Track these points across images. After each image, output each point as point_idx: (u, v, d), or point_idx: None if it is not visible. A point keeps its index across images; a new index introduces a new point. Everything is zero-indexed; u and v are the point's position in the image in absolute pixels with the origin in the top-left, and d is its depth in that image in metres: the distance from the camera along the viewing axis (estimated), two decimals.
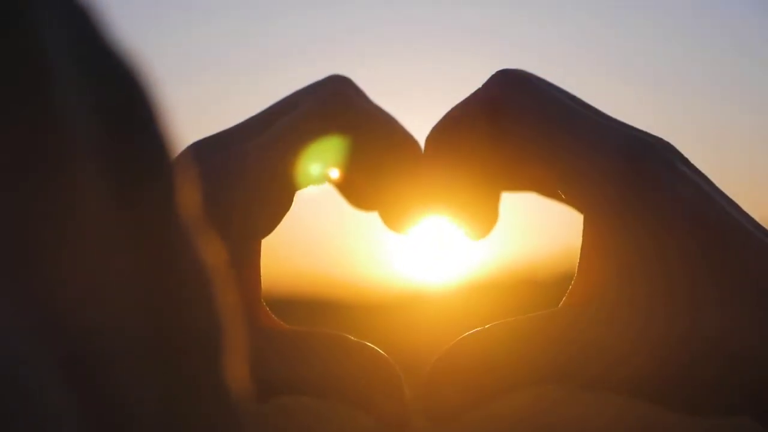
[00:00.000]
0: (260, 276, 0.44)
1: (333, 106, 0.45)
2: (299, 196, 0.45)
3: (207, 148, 0.45)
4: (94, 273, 0.22)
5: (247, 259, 0.44)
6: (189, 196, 0.25)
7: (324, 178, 0.46)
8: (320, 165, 0.45)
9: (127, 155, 0.23)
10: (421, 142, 0.47)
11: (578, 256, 0.43)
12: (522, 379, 0.42)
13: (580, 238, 0.43)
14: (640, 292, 0.41)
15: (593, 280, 0.42)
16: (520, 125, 0.43)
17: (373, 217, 0.49)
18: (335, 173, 0.46)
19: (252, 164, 0.44)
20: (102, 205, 0.23)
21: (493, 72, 0.45)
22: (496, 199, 0.46)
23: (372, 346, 0.44)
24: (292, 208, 0.45)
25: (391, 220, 0.48)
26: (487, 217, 0.46)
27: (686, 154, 0.43)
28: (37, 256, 0.21)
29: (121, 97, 0.24)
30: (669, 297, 0.41)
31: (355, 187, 0.49)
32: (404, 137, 0.46)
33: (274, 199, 0.44)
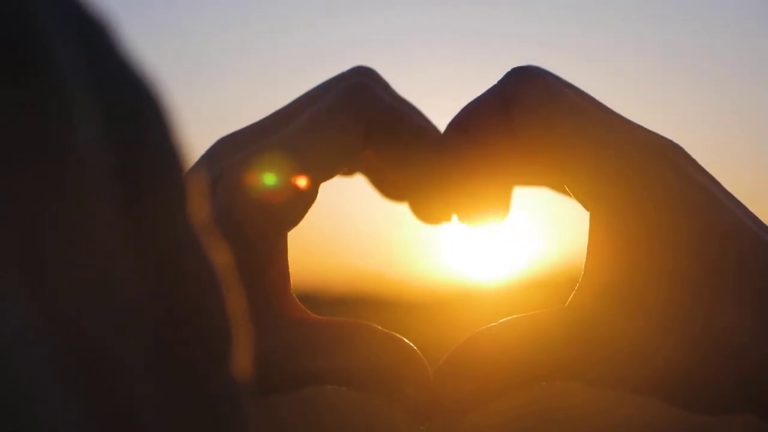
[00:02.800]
0: (288, 268, 0.44)
1: (356, 98, 0.45)
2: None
3: (232, 143, 0.46)
4: (102, 276, 0.22)
5: (274, 252, 0.44)
6: (201, 201, 0.25)
7: (347, 171, 0.46)
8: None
9: (137, 162, 0.24)
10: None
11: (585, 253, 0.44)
12: (533, 376, 0.43)
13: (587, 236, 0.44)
14: (650, 291, 0.42)
15: (599, 279, 0.43)
16: (531, 121, 0.43)
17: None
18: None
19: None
20: (110, 210, 0.23)
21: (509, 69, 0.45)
22: (508, 193, 0.47)
23: (398, 336, 0.44)
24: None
25: (419, 211, 0.48)
26: (497, 211, 0.46)
27: (694, 156, 0.44)
28: (45, 260, 0.21)
29: (130, 104, 0.24)
30: (689, 297, 0.41)
31: (384, 179, 0.49)
32: (427, 128, 0.46)
33: (298, 191, 0.44)
